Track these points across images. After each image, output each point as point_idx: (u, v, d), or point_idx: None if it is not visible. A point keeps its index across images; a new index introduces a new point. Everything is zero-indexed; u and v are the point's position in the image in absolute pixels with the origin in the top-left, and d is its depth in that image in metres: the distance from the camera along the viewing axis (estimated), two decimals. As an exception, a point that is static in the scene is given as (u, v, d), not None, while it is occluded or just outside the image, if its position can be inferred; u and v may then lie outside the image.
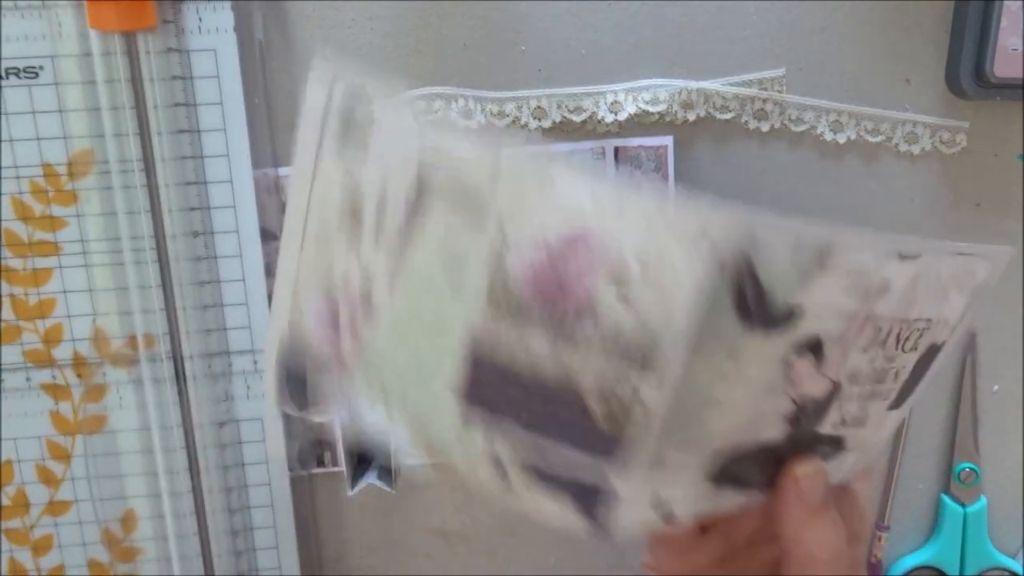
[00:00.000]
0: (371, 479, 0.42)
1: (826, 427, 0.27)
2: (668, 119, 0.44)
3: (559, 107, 0.44)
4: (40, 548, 0.45)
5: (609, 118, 0.44)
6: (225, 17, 0.41)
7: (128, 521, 0.45)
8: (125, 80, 0.41)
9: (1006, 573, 0.49)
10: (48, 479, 0.45)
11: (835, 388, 0.26)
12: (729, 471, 0.26)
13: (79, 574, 0.46)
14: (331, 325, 0.29)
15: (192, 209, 0.43)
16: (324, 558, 0.50)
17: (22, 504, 0.45)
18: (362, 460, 0.44)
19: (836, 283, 0.23)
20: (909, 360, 0.28)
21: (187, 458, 0.44)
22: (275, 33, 0.43)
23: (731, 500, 0.27)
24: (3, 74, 0.41)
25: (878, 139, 0.44)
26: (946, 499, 0.49)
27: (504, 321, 0.24)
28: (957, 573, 0.49)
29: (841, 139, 0.44)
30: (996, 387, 0.48)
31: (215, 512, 0.45)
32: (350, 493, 0.41)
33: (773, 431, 0.26)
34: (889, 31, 0.43)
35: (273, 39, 0.43)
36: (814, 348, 0.24)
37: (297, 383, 0.30)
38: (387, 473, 0.42)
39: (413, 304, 0.26)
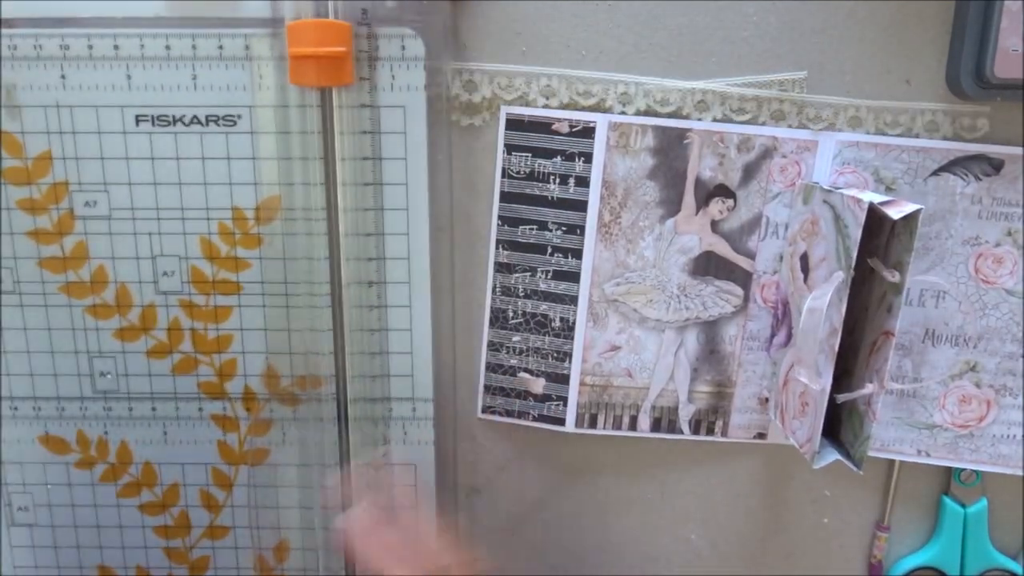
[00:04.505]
0: None
1: None
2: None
3: (568, 88, 0.44)
4: (197, 568, 0.47)
5: (617, 108, 0.44)
6: (417, 76, 0.42)
7: (281, 551, 0.46)
8: (317, 132, 0.41)
9: (1006, 574, 0.49)
10: (210, 504, 0.46)
11: None
12: None
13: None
14: None
15: (369, 259, 0.43)
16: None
17: (184, 526, 0.46)
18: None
19: None
20: None
21: (341, 496, 0.45)
22: (462, 90, 0.43)
23: None
24: (204, 120, 0.42)
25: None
26: (947, 500, 0.49)
27: None
28: (957, 574, 0.49)
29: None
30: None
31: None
32: None
33: None
34: (889, 31, 0.43)
35: (460, 96, 0.43)
36: None
37: None
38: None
39: None
